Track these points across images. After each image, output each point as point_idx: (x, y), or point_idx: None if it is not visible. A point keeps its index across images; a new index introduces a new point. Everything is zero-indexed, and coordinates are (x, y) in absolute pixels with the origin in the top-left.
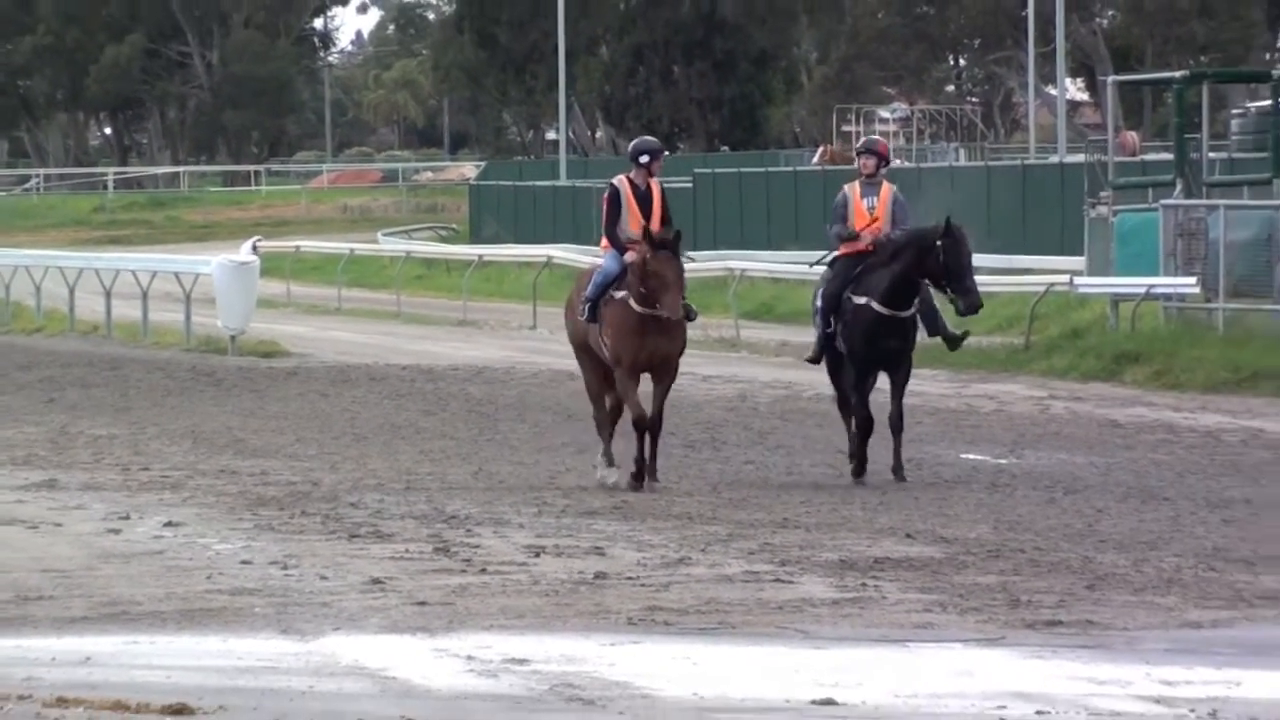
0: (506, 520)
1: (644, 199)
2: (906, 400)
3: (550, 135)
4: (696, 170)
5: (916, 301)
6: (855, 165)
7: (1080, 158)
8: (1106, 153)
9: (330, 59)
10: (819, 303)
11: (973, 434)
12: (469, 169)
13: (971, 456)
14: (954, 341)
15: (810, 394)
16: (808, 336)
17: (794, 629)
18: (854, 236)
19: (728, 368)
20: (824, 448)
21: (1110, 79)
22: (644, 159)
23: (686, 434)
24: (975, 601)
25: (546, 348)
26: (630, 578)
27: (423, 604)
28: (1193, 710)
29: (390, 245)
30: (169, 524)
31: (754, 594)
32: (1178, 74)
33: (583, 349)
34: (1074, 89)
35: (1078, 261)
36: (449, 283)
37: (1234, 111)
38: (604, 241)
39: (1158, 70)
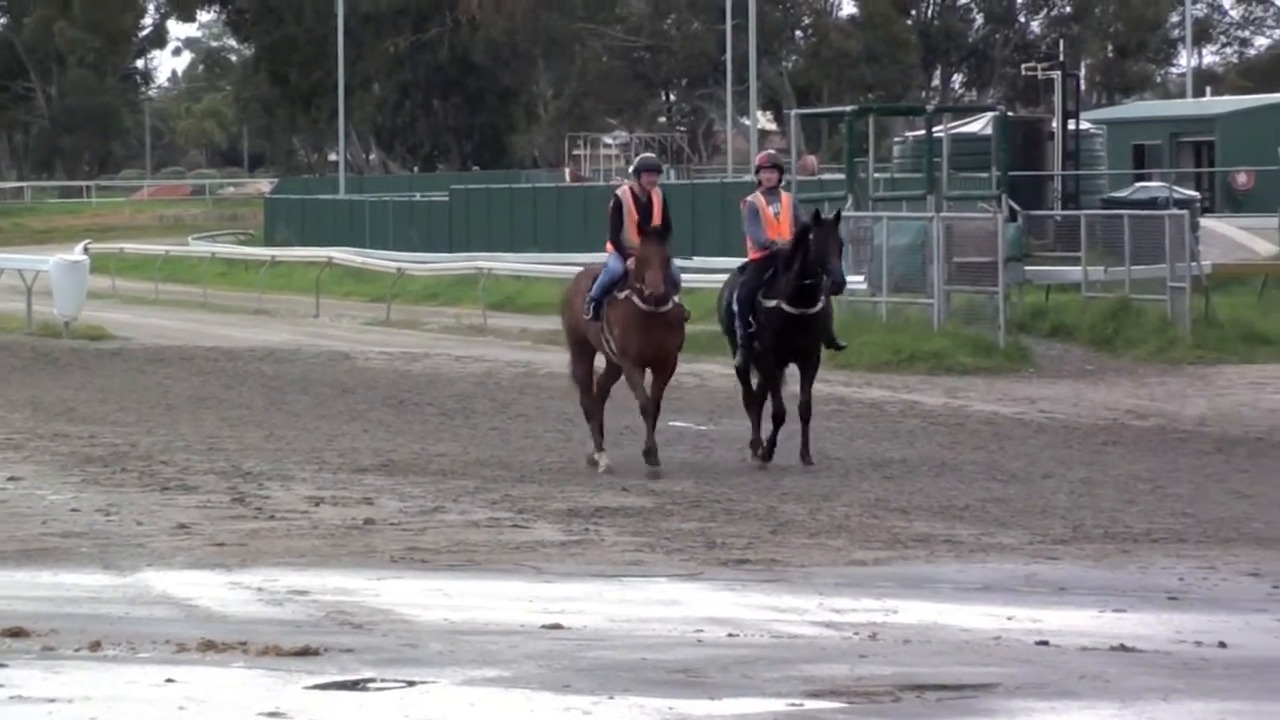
0: (292, 476)
1: (645, 207)
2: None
3: (332, 157)
4: (452, 186)
5: (822, 299)
6: (756, 178)
7: None
8: (791, 173)
9: (150, 93)
10: (735, 306)
11: (679, 405)
12: (264, 185)
13: (678, 423)
14: (834, 346)
15: (544, 372)
16: (544, 324)
17: (529, 566)
18: (775, 246)
19: (476, 349)
20: (556, 416)
21: (794, 112)
22: (630, 169)
23: (442, 404)
24: (679, 543)
25: (327, 333)
26: (394, 523)
27: (221, 545)
28: (857, 633)
29: (199, 247)
30: (11, 478)
31: (496, 537)
32: (849, 108)
33: (578, 342)
34: (764, 120)
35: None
36: (247, 279)
37: (895, 139)
38: (609, 245)
39: (833, 105)
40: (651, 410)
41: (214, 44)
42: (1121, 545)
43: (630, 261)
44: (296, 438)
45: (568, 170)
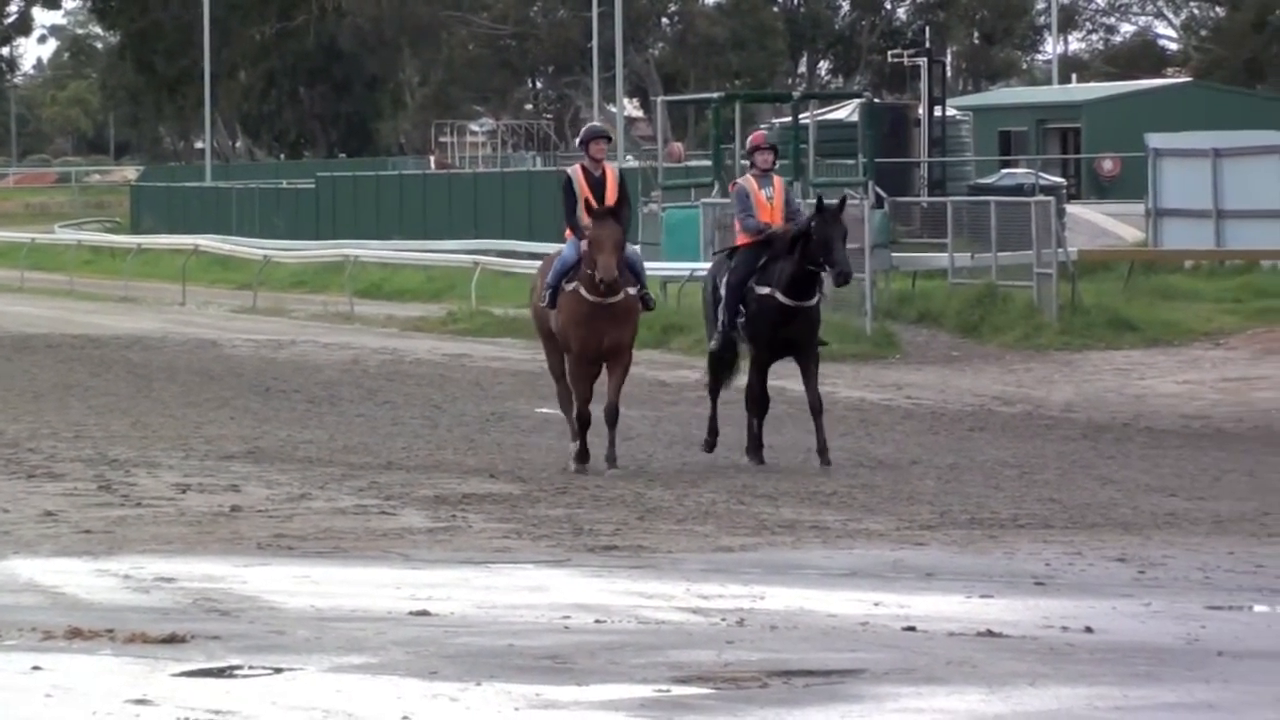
0: (158, 463)
1: (598, 184)
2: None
3: (198, 144)
4: (319, 174)
5: (818, 291)
6: (750, 160)
7: (636, 164)
8: (658, 160)
9: (15, 80)
10: (722, 292)
11: (545, 391)
12: (131, 172)
13: (544, 410)
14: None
15: (411, 359)
16: (410, 311)
17: (396, 553)
18: (772, 230)
19: (343, 336)
20: (422, 403)
21: (660, 99)
22: (577, 142)
23: (309, 391)
24: (546, 530)
25: (194, 320)
26: (261, 510)
27: (88, 532)
28: (724, 619)
29: (65, 235)
30: None
31: (363, 524)
32: (715, 95)
33: (545, 333)
34: (631, 107)
35: (633, 249)
36: (114, 266)
37: (762, 126)
38: (568, 231)
39: (699, 92)
40: (608, 414)
41: (80, 31)
42: (988, 531)
43: (584, 245)
44: (163, 425)
45: (433, 158)
